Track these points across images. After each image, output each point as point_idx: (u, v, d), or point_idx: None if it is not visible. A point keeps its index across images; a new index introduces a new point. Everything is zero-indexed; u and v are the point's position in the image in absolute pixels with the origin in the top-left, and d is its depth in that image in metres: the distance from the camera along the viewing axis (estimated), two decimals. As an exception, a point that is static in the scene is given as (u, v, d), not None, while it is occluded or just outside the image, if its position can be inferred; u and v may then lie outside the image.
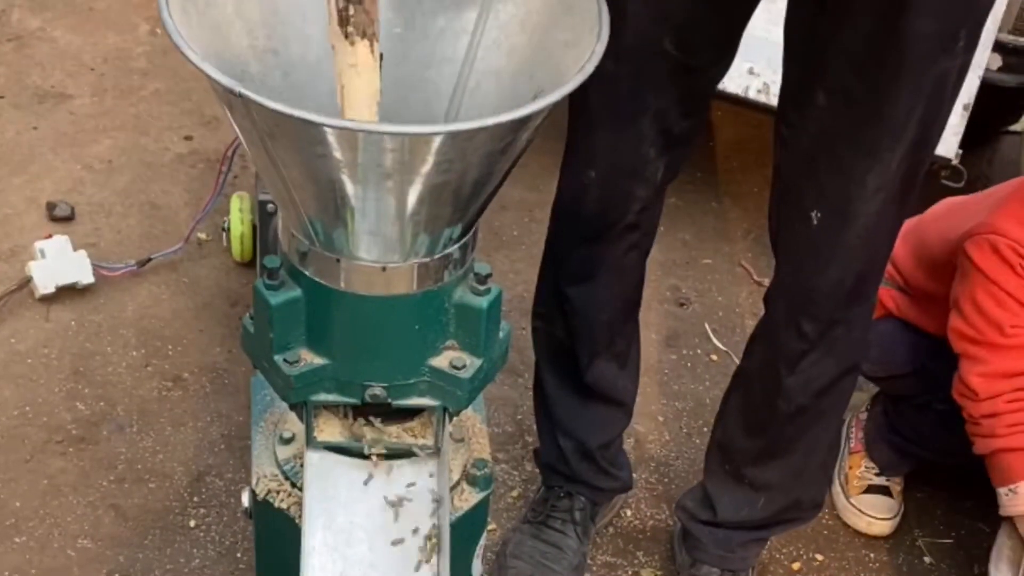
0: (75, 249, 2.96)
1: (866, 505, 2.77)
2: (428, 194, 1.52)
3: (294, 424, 1.94)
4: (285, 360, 1.71)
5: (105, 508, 2.50)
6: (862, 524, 2.77)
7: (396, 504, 1.78)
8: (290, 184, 1.56)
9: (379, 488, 1.79)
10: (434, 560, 1.74)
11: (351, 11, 1.42)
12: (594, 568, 2.59)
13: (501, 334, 1.79)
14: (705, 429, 2.91)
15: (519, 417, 2.88)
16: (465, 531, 1.93)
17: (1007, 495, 2.39)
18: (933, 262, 2.59)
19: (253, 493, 1.93)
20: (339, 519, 1.77)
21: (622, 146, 2.20)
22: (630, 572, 2.59)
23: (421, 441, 1.80)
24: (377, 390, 1.73)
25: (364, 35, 1.44)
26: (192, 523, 2.50)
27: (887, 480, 2.80)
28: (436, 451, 1.80)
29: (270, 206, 2.67)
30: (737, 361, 3.07)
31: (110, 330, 2.88)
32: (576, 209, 2.31)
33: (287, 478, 1.91)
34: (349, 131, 1.41)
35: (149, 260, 3.01)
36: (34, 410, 2.68)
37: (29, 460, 2.57)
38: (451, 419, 1.83)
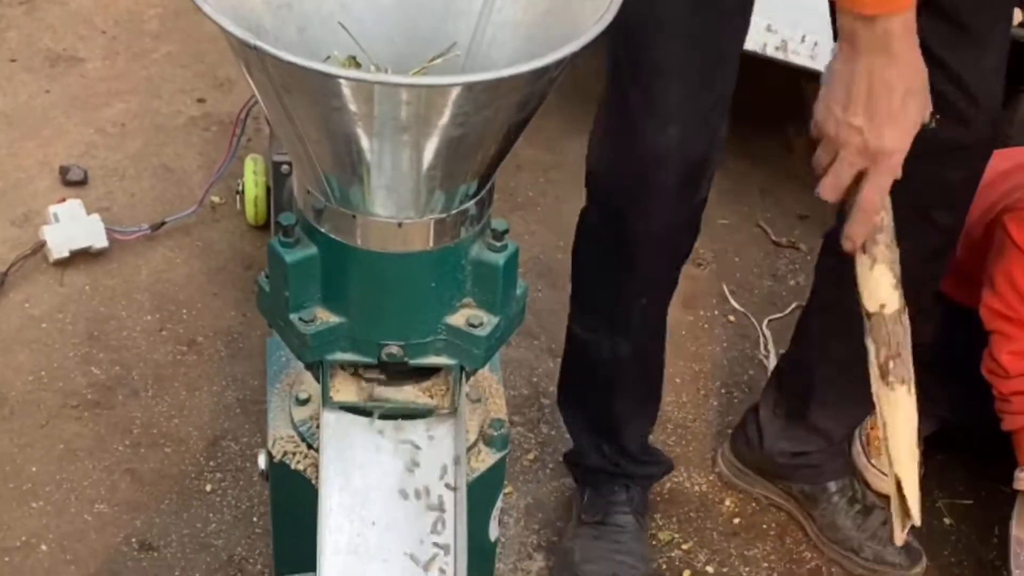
0: (88, 213, 2.95)
1: (884, 466, 2.75)
2: (445, 148, 1.51)
3: (310, 385, 1.93)
4: (300, 319, 1.70)
5: (121, 473, 2.50)
6: (883, 486, 2.75)
7: (413, 465, 1.78)
8: (306, 139, 1.54)
9: (396, 449, 1.78)
10: (451, 521, 1.73)
11: (891, 365, 1.79)
12: (612, 530, 2.58)
13: (518, 292, 1.77)
14: (723, 391, 2.90)
15: (535, 380, 2.87)
16: (482, 492, 1.92)
17: None
18: (969, 236, 2.56)
19: (269, 455, 1.92)
20: (355, 480, 1.75)
21: (701, 102, 2.08)
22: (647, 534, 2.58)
23: (437, 401, 1.79)
24: (393, 348, 1.72)
25: (903, 382, 1.81)
26: (208, 487, 2.49)
27: (908, 441, 2.78)
28: (453, 411, 1.79)
29: (284, 167, 2.66)
30: (754, 322, 3.07)
31: (124, 294, 2.87)
32: (646, 191, 2.16)
33: (303, 439, 1.90)
34: (365, 83, 1.39)
35: (163, 224, 3.00)
36: (49, 375, 2.68)
37: (44, 425, 2.57)
38: (468, 379, 1.82)
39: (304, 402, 1.92)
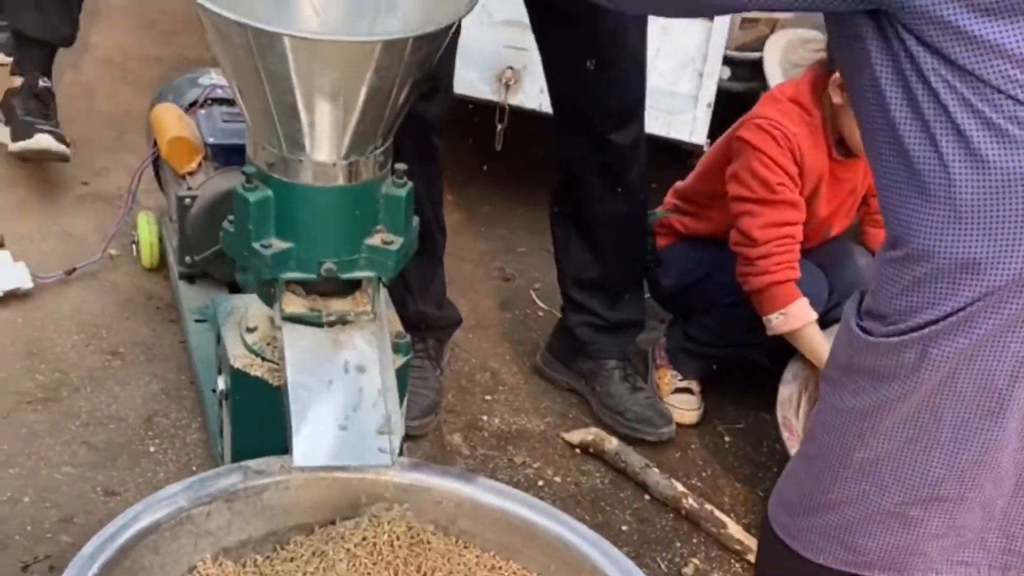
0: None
1: (675, 402, 3.25)
2: (367, 98, 2.00)
3: (255, 319, 2.36)
4: (262, 245, 2.14)
5: (78, 444, 2.82)
6: (675, 416, 3.26)
7: (350, 351, 2.22)
8: (271, 100, 2.01)
9: (337, 346, 2.22)
10: (378, 381, 2.17)
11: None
12: (471, 461, 3.03)
13: (414, 222, 2.26)
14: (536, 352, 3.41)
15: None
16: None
17: (778, 318, 2.90)
18: (707, 167, 3.14)
19: (231, 370, 2.33)
20: (309, 369, 2.19)
21: None
22: (505, 460, 3.05)
23: (362, 308, 2.25)
24: (330, 264, 2.16)
25: None
26: (152, 449, 2.83)
27: (688, 383, 3.32)
28: (374, 316, 2.25)
29: (187, 200, 3.08)
30: (558, 315, 3.59)
31: (52, 322, 3.20)
32: None
33: (256, 354, 2.33)
34: (333, 43, 1.89)
35: (74, 269, 3.35)
36: (1, 383, 2.99)
37: (7, 417, 2.85)
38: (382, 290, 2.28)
39: (252, 330, 2.35)
